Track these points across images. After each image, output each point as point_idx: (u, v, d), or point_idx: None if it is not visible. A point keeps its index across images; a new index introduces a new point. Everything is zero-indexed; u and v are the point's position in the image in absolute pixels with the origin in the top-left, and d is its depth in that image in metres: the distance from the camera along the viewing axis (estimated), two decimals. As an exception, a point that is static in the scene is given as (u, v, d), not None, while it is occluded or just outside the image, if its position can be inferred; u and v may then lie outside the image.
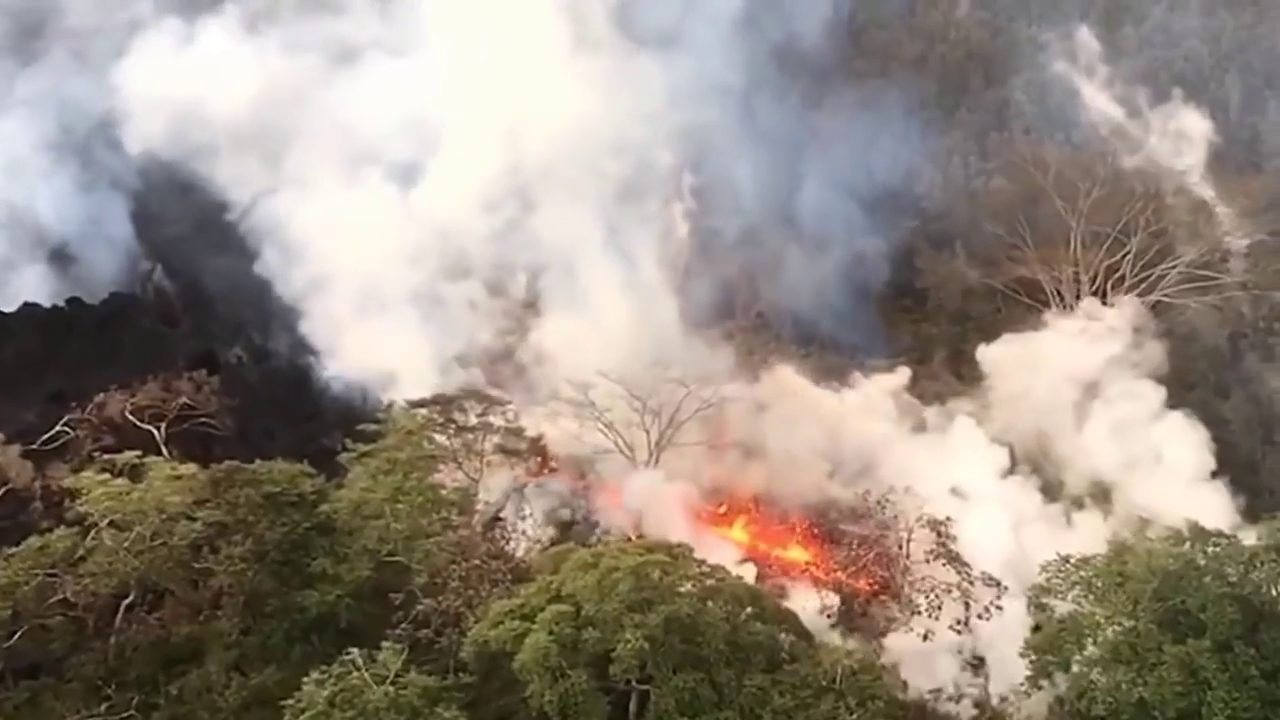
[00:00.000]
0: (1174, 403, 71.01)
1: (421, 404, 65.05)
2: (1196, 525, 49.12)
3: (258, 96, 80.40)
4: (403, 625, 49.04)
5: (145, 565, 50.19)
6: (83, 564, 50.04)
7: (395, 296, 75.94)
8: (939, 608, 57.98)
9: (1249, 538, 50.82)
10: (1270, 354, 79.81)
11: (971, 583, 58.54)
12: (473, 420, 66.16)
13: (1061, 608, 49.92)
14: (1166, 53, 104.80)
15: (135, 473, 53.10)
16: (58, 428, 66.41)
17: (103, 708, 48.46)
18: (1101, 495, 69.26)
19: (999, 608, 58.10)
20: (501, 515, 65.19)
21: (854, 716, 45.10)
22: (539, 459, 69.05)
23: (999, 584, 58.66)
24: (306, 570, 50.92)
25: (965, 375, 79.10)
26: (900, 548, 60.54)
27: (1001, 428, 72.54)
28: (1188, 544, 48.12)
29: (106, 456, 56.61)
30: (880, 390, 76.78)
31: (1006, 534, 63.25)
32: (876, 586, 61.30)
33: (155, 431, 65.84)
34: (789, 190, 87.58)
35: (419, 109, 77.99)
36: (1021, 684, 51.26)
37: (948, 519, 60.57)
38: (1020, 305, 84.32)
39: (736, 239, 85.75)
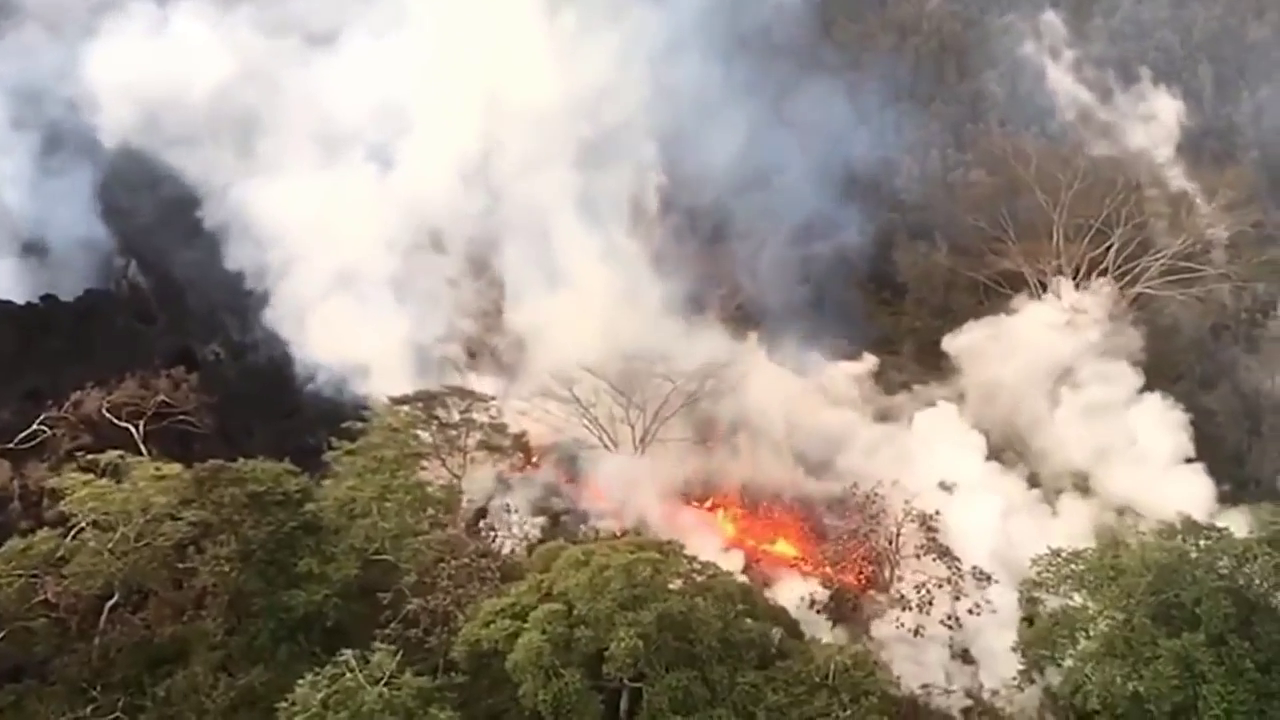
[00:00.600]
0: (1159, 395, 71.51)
1: (404, 400, 64.60)
2: (1188, 518, 49.14)
3: (231, 80, 79.80)
4: (392, 625, 48.68)
5: (130, 566, 49.46)
6: (65, 565, 49.27)
7: (372, 279, 75.39)
8: (930, 603, 57.87)
9: (1228, 521, 51.10)
10: (1254, 345, 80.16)
11: (962, 577, 58.41)
12: (455, 416, 65.75)
13: (1052, 602, 49.88)
14: (1139, 44, 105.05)
15: (116, 472, 52.44)
16: (34, 426, 65.48)
17: (88, 710, 47.67)
18: (1080, 482, 69.52)
19: (991, 608, 58.20)
20: (486, 511, 64.90)
21: (847, 713, 44.87)
22: (522, 454, 68.54)
23: (988, 578, 58.64)
24: (293, 570, 50.11)
25: (945, 367, 79.24)
26: (890, 542, 60.35)
27: (976, 417, 72.72)
28: (1180, 537, 48.06)
29: (84, 455, 55.86)
30: (855, 380, 77.57)
31: (994, 521, 63.34)
32: (865, 581, 61.14)
33: (133, 429, 65.16)
34: (765, 179, 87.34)
35: (394, 87, 77.59)
36: (1014, 678, 51.24)
37: (936, 513, 60.41)
38: (1003, 297, 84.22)
39: (713, 229, 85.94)
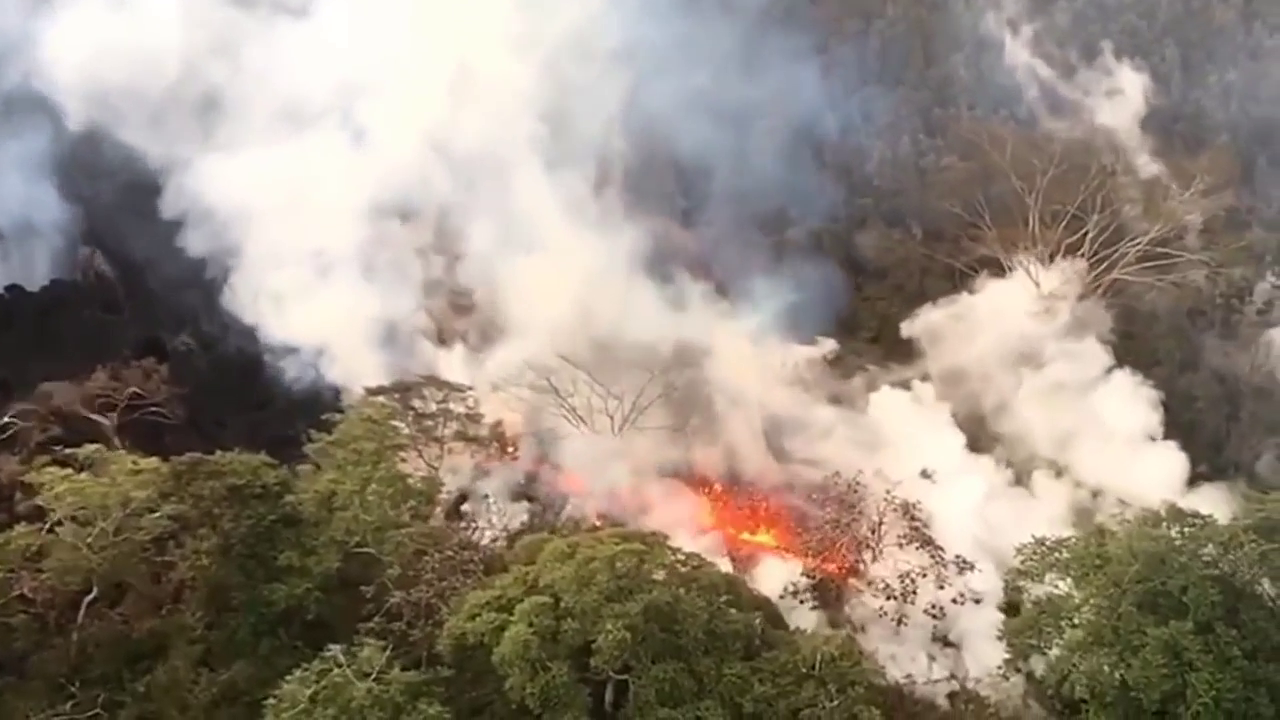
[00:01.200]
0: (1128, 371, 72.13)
1: (380, 391, 64.16)
2: (1174, 506, 49.22)
3: (196, 53, 77.87)
4: (374, 618, 48.48)
5: (108, 561, 49.10)
6: (43, 560, 48.87)
7: (339, 255, 73.88)
8: (914, 592, 57.80)
9: (1203, 500, 51.18)
10: (1231, 330, 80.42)
11: (944, 565, 58.35)
12: (432, 407, 65.35)
13: (1038, 590, 49.86)
14: (1104, 26, 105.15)
15: (92, 466, 51.80)
16: (4, 419, 64.44)
17: (67, 706, 47.29)
18: (1052, 463, 69.63)
19: (975, 596, 58.27)
20: (465, 499, 64.53)
21: (834, 703, 44.82)
22: (499, 444, 68.09)
23: (971, 565, 58.62)
24: (273, 563, 49.79)
25: (916, 352, 79.81)
26: (872, 532, 60.20)
27: (943, 400, 73.13)
28: (1165, 525, 48.12)
29: (56, 448, 55.36)
30: (823, 365, 77.65)
31: (974, 506, 63.40)
32: (847, 570, 60.96)
33: (105, 421, 64.40)
34: (736, 161, 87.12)
35: (361, 56, 75.95)
36: (999, 667, 51.21)
37: (918, 502, 60.31)
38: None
39: (683, 213, 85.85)
